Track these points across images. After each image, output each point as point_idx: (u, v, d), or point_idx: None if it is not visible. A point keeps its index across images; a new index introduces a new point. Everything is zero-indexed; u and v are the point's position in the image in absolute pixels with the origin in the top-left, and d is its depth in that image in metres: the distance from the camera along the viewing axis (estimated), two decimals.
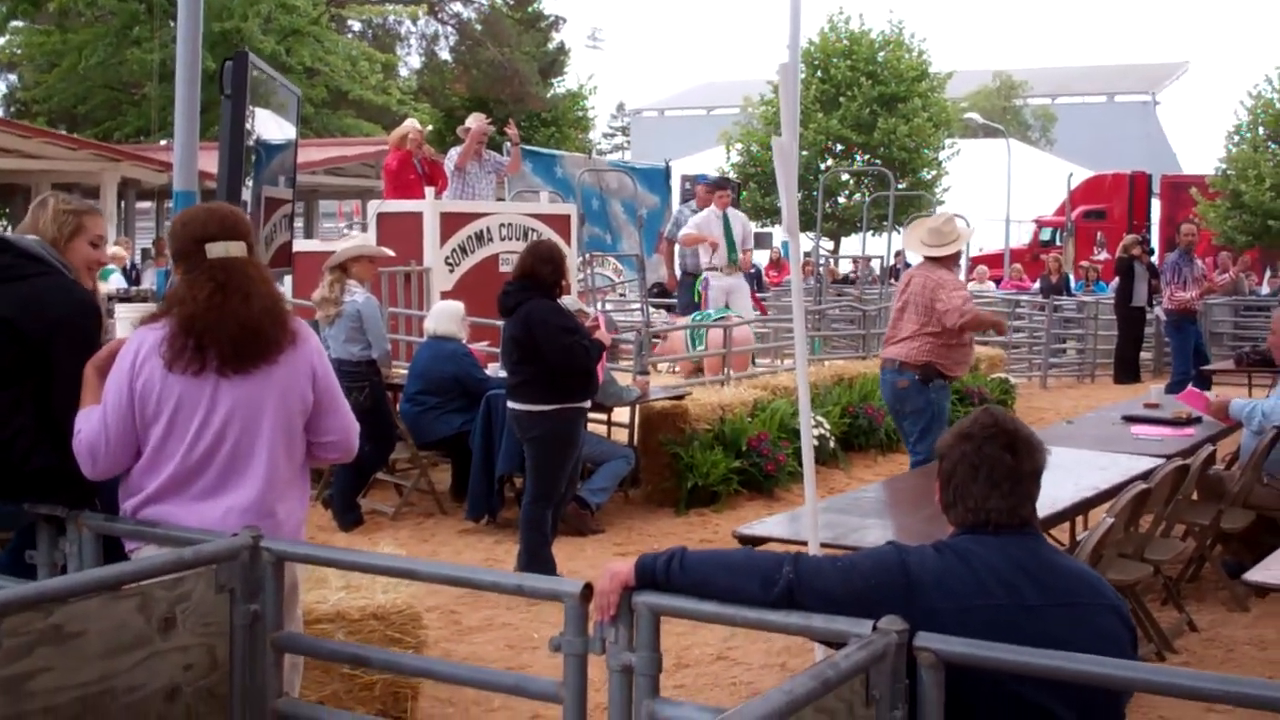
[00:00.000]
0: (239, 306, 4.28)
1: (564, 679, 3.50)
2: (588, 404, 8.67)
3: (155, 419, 4.24)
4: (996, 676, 3.22)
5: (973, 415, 3.61)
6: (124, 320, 11.28)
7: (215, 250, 4.32)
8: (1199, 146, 65.54)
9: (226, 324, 4.26)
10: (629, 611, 3.44)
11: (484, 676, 3.94)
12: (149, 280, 21.09)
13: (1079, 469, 7.42)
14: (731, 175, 30.38)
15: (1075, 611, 3.35)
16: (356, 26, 39.50)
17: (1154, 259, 21.24)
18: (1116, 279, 20.34)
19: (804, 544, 5.52)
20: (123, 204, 27.93)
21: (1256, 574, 5.36)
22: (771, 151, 28.13)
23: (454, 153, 14.69)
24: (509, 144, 15.37)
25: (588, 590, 3.50)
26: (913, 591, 3.29)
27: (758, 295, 16.21)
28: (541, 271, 8.23)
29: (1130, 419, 9.45)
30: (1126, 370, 19.67)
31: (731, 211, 15.27)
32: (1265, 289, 29.20)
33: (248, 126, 7.11)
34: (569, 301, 9.07)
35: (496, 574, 4.29)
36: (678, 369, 14.99)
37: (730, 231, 15.00)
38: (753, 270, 26.78)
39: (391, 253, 11.35)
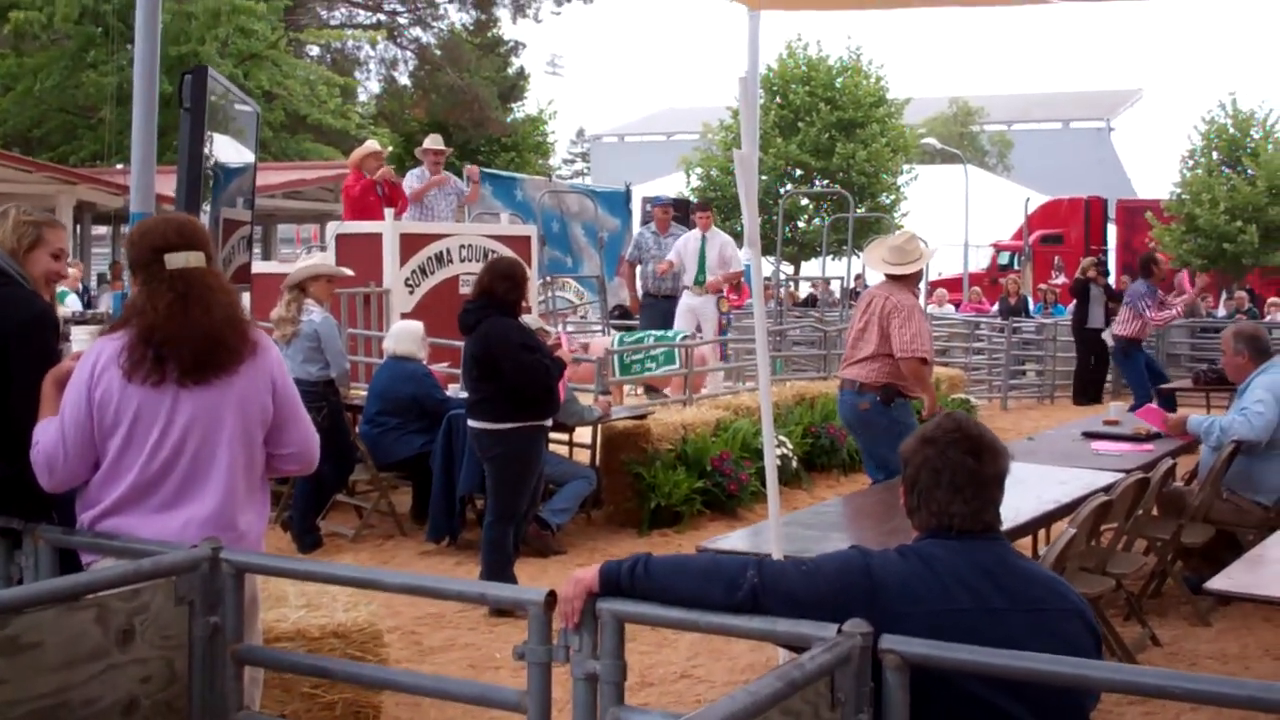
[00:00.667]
0: (200, 316, 4.25)
1: (528, 688, 3.47)
2: (549, 423, 8.63)
3: (114, 429, 4.19)
4: (960, 681, 3.22)
5: (936, 420, 3.61)
6: (80, 342, 11.18)
7: (175, 260, 4.28)
8: (1153, 172, 65.83)
9: (187, 334, 4.22)
10: (593, 619, 3.42)
11: (447, 687, 3.91)
12: (105, 304, 20.95)
13: (1040, 483, 7.44)
14: (692, 199, 30.35)
15: (1039, 617, 3.35)
16: (315, 51, 39.35)
17: (1110, 281, 21.40)
18: (1074, 301, 20.53)
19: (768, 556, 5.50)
20: (78, 228, 27.75)
21: (1218, 582, 5.38)
22: (731, 177, 28.19)
23: (413, 176, 14.65)
24: (468, 178, 15.38)
25: (551, 598, 3.47)
26: (876, 595, 3.29)
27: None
28: (499, 288, 8.19)
29: (1090, 435, 9.49)
30: (1085, 391, 19.88)
31: (713, 234, 15.28)
32: (1221, 311, 29.42)
33: (206, 150, 7.06)
34: (530, 320, 9.04)
35: (459, 583, 4.27)
36: (640, 390, 14.97)
37: (704, 253, 15.00)
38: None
39: (350, 272, 11.29)
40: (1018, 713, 3.25)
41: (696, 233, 15.28)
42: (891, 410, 8.72)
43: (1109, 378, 20.05)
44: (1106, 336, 17.80)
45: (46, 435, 4.21)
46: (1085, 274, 19.76)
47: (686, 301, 15.02)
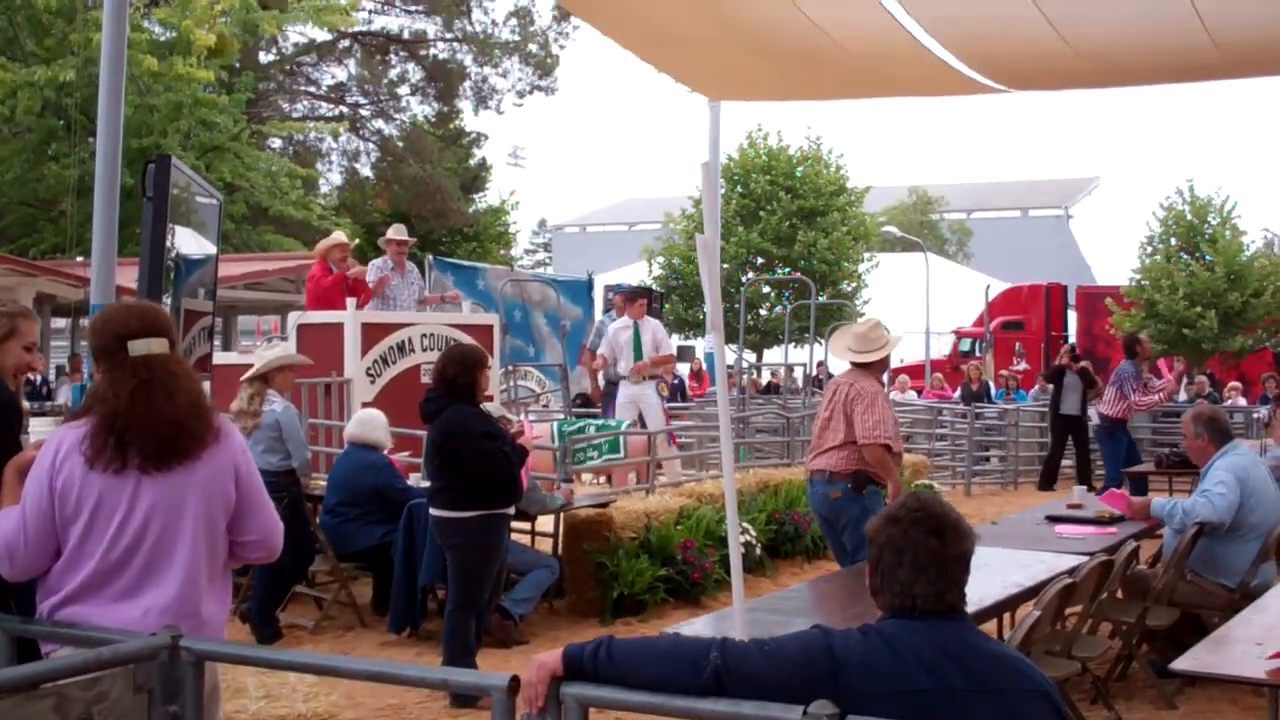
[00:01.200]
0: (163, 404, 4.22)
1: None
2: (511, 510, 8.59)
3: (75, 517, 4.15)
4: None
5: (901, 499, 3.61)
6: (39, 434, 11.07)
7: (137, 347, 4.27)
8: (1112, 258, 66.51)
9: (150, 421, 4.19)
10: (557, 704, 3.39)
11: None
12: (64, 395, 20.85)
13: (1004, 567, 7.44)
14: (654, 287, 30.55)
15: (1002, 698, 3.33)
16: (277, 143, 39.48)
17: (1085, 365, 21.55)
18: (1051, 387, 20.62)
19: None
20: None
21: (1183, 662, 5.38)
22: (693, 265, 28.54)
23: (374, 267, 14.66)
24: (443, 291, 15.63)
25: (514, 683, 3.44)
26: (838, 674, 3.28)
27: (668, 407, 16.23)
28: (449, 373, 8.20)
29: (1054, 519, 9.51)
30: (1053, 477, 19.95)
31: (644, 321, 15.45)
32: (1183, 395, 29.59)
33: (168, 242, 7.06)
34: (493, 408, 9.04)
35: (421, 669, 4.21)
36: (602, 479, 14.93)
37: (639, 340, 15.10)
38: (676, 381, 26.92)
39: (310, 360, 11.26)
40: None
41: (627, 320, 15.49)
42: (864, 498, 8.72)
43: (1069, 462, 20.11)
44: (1092, 414, 17.92)
45: (7, 524, 4.16)
46: (1061, 360, 19.90)
47: (626, 391, 15.08)
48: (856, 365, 9.07)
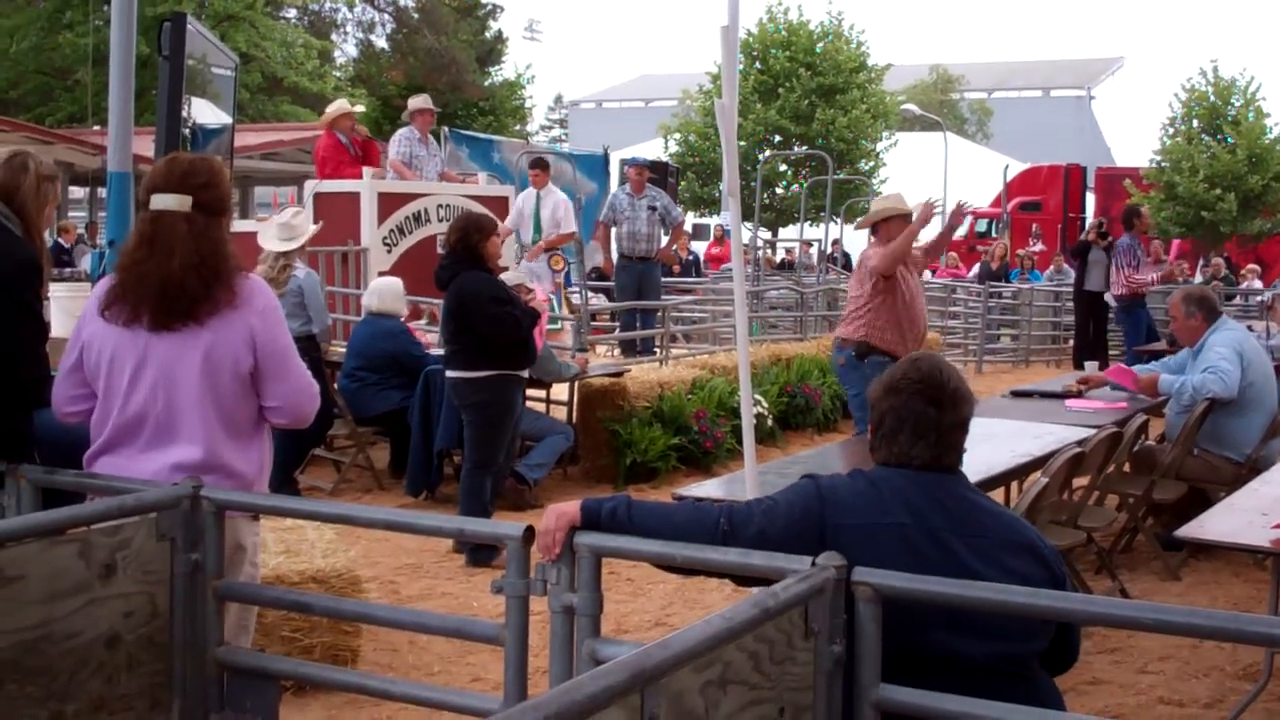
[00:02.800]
0: (161, 263, 4.21)
1: (506, 620, 3.51)
2: (524, 373, 8.72)
3: (97, 369, 4.26)
4: (910, 618, 3.27)
5: (902, 367, 3.65)
6: (58, 300, 11.16)
7: (156, 203, 4.29)
8: (1133, 140, 66.02)
9: (148, 281, 4.21)
10: (571, 553, 3.46)
11: (426, 621, 3.95)
12: (84, 263, 20.91)
13: (1013, 438, 7.52)
14: (669, 163, 30.29)
15: (981, 543, 3.40)
16: (292, 13, 39.22)
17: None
18: (1075, 263, 20.41)
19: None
20: None
21: (1190, 529, 5.45)
22: (709, 142, 28.08)
23: (400, 138, 14.51)
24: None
25: (529, 533, 3.51)
26: (825, 512, 3.41)
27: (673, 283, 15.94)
28: (451, 240, 8.44)
29: (1018, 394, 9.73)
30: (1083, 353, 19.77)
31: (547, 191, 14.87)
32: (1198, 278, 29.52)
33: (184, 112, 7.06)
34: (512, 276, 9.12)
35: (438, 518, 4.28)
36: (617, 350, 15.00)
37: (539, 213, 14.71)
38: (690, 257, 26.88)
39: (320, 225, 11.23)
40: (963, 646, 3.33)
41: (531, 191, 14.91)
42: (864, 366, 8.81)
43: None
44: (1108, 298, 17.77)
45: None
46: (1087, 236, 19.66)
47: (527, 267, 14.06)
48: (876, 234, 9.12)
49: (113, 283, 4.27)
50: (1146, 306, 17.29)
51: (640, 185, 15.63)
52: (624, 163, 18.72)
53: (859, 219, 9.83)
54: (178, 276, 4.21)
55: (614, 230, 16.02)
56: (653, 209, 15.33)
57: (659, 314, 14.77)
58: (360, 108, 17.98)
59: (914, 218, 8.96)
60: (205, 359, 4.24)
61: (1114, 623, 3.16)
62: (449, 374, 8.52)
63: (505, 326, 8.23)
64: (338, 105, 14.63)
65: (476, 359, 8.31)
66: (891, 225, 9.02)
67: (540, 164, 15.27)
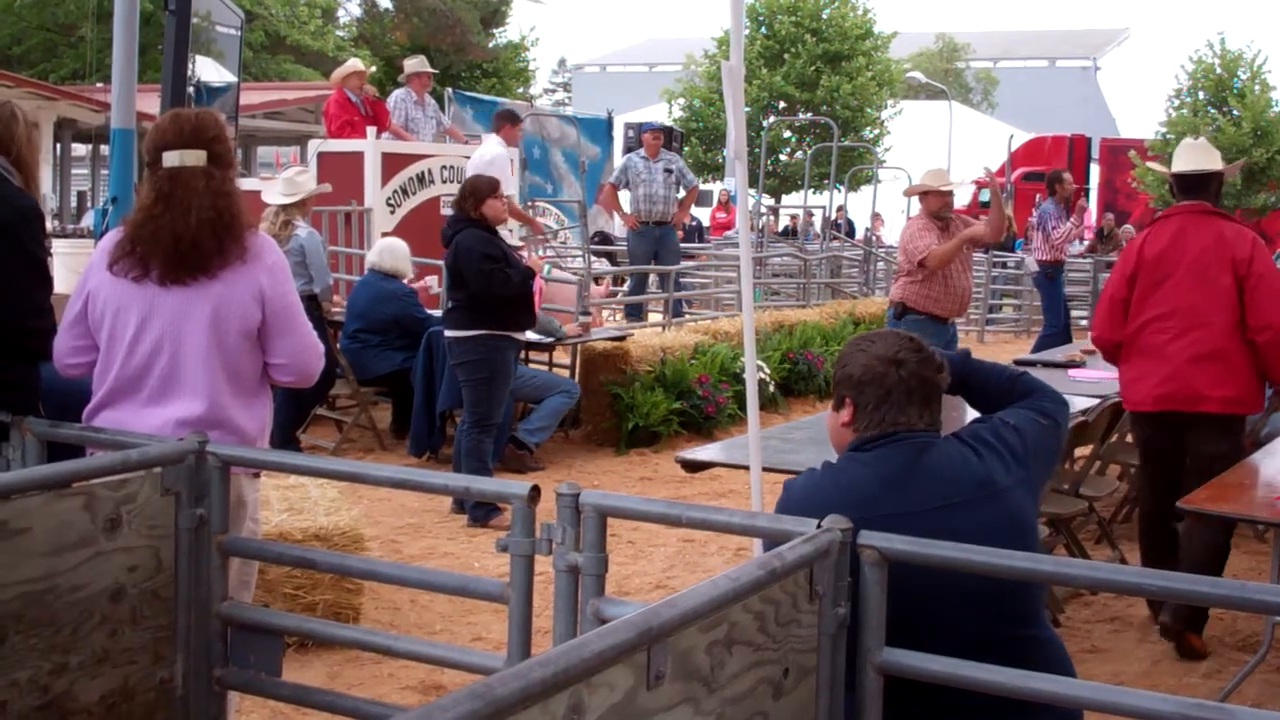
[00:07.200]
0: (177, 219, 4.21)
1: (510, 579, 3.51)
2: (520, 335, 8.78)
3: (101, 322, 4.25)
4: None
5: (896, 340, 3.65)
6: (60, 257, 11.15)
7: (169, 159, 4.27)
8: (1138, 112, 65.99)
9: (162, 236, 4.20)
10: (576, 513, 3.46)
11: (430, 578, 3.94)
12: (88, 220, 20.89)
13: None
14: (676, 128, 30.18)
15: (950, 513, 3.42)
16: None
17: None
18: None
19: (743, 468, 5.58)
20: (58, 146, 27.58)
21: (1190, 501, 5.44)
22: (714, 108, 27.93)
23: (397, 99, 14.50)
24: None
25: (535, 492, 3.51)
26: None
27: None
28: (460, 201, 8.55)
29: (1021, 363, 9.67)
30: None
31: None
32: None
33: (189, 70, 7.04)
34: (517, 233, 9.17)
35: (445, 476, 4.30)
36: (619, 315, 14.98)
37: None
38: (693, 223, 26.82)
39: (329, 187, 11.22)
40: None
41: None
42: (900, 325, 9.01)
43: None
44: (1030, 262, 17.35)
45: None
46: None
47: None
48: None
49: (121, 237, 4.26)
50: (1064, 274, 16.94)
51: (655, 150, 15.52)
52: (628, 127, 18.67)
53: (905, 188, 10.09)
54: (192, 233, 4.21)
55: (630, 194, 15.84)
56: (669, 171, 15.30)
57: (670, 278, 14.75)
58: (371, 68, 17.90)
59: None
60: (214, 313, 4.24)
61: (1120, 589, 3.16)
62: (445, 333, 8.61)
63: (493, 281, 8.22)
64: (350, 64, 14.62)
65: (470, 318, 8.36)
66: (929, 198, 9.31)
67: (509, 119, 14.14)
